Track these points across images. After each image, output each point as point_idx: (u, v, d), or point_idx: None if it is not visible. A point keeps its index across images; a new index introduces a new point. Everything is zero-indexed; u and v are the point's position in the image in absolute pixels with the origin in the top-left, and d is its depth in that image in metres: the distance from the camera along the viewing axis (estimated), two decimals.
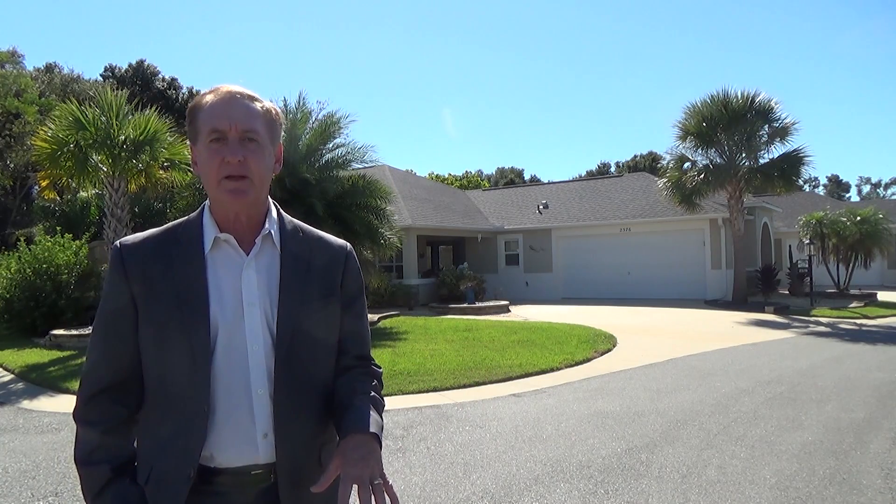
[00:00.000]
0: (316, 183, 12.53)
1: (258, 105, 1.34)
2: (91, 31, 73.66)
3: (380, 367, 1.52)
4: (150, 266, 1.32)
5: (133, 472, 1.34)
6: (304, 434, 1.35)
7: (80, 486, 1.35)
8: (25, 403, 6.97)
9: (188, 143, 1.44)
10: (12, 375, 8.57)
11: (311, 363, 1.35)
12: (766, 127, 17.50)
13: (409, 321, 14.31)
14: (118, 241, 1.37)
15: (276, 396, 1.30)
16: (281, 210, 1.45)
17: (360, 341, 1.48)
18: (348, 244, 1.51)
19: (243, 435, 1.28)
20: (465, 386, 7.38)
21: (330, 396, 1.41)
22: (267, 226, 1.37)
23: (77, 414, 1.36)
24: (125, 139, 10.96)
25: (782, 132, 17.41)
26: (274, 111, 1.38)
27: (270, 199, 1.42)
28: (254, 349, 1.30)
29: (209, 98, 1.33)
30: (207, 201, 1.39)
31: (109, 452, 1.33)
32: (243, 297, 1.31)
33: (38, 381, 8.00)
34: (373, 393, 1.40)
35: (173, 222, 1.40)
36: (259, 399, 1.29)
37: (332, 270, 1.42)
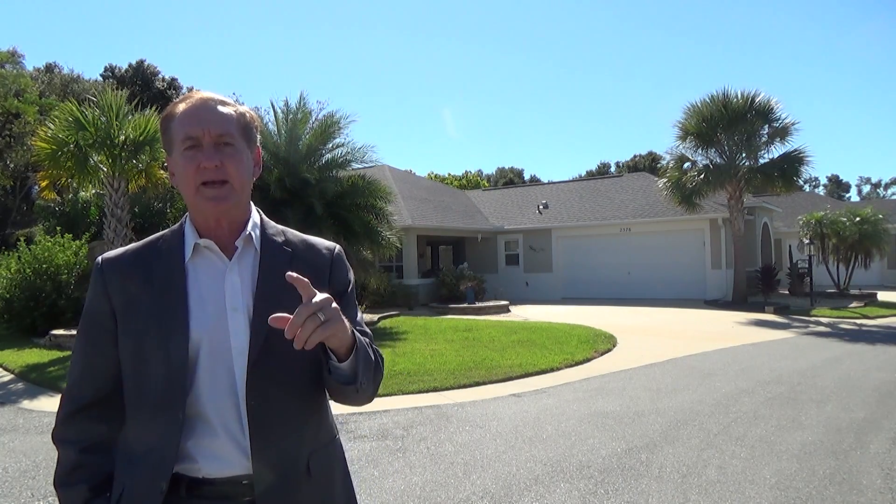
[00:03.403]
0: (316, 183, 12.53)
1: (231, 109, 1.31)
2: (91, 31, 73.74)
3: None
4: (130, 278, 1.30)
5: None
6: (285, 444, 1.28)
7: None
8: (25, 403, 6.98)
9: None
10: (12, 375, 8.57)
11: (287, 369, 1.29)
12: (766, 127, 17.50)
13: (409, 321, 14.31)
14: (100, 257, 1.36)
15: (251, 403, 1.24)
16: (264, 216, 1.42)
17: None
18: (337, 245, 1.47)
19: (232, 443, 1.25)
20: (465, 386, 7.38)
21: (316, 400, 1.35)
22: (248, 229, 1.34)
23: (55, 434, 1.34)
24: (125, 139, 10.96)
25: (782, 132, 17.42)
26: (248, 114, 1.36)
27: (253, 206, 1.40)
28: (239, 355, 1.26)
29: (181, 106, 1.30)
30: (188, 212, 1.36)
31: (88, 472, 1.30)
32: (226, 302, 1.28)
33: (38, 381, 8.01)
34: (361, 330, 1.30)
35: (155, 235, 1.38)
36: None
37: (317, 272, 1.34)
